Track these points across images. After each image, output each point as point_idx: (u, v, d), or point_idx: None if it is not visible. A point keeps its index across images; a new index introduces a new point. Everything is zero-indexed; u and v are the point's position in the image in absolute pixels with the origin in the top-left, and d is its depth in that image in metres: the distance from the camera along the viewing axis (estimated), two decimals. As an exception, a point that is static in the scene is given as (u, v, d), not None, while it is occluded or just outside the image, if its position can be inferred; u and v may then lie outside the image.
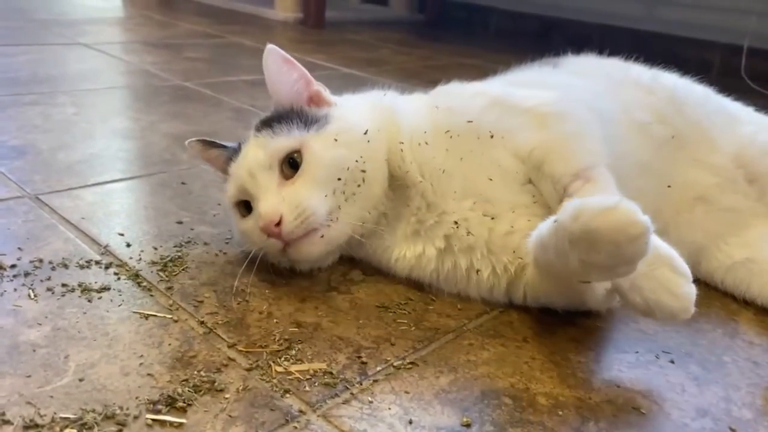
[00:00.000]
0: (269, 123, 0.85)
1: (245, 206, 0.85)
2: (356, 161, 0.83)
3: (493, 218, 0.83)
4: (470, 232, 0.83)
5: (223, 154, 0.91)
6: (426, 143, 0.85)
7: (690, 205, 0.95)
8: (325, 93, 0.91)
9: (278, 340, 0.74)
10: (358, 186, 0.83)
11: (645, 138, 0.95)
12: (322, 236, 0.80)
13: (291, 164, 0.81)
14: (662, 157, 0.95)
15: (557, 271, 0.74)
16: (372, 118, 0.87)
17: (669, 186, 0.94)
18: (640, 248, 0.64)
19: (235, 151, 0.88)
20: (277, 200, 0.79)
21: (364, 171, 0.83)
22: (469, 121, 0.85)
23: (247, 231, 0.84)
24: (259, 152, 0.83)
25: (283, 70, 0.87)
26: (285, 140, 0.82)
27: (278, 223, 0.77)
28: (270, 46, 0.85)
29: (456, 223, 0.84)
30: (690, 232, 0.94)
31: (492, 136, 0.84)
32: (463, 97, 0.90)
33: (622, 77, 1.05)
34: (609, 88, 1.00)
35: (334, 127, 0.84)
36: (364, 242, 0.87)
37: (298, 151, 0.81)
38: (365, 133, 0.84)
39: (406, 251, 0.87)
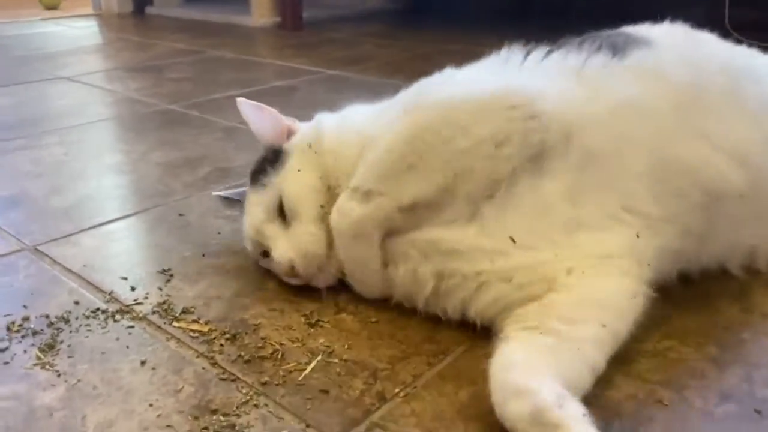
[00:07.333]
0: (257, 176, 0.90)
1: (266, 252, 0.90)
2: (320, 178, 0.84)
3: None
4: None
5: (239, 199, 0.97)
6: None
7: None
8: (294, 125, 0.94)
9: (293, 372, 0.73)
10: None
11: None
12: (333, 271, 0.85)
13: (282, 211, 0.85)
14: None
15: None
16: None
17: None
18: None
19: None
20: (286, 247, 0.84)
21: (338, 185, 0.83)
22: None
23: (275, 268, 0.89)
24: (257, 210, 0.88)
25: (257, 118, 0.92)
26: (269, 193, 0.86)
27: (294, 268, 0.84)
28: (239, 100, 0.91)
29: None
30: (738, 236, 0.86)
31: None
32: None
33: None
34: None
35: (293, 160, 0.87)
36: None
37: (281, 198, 0.85)
38: (309, 146, 0.86)
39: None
